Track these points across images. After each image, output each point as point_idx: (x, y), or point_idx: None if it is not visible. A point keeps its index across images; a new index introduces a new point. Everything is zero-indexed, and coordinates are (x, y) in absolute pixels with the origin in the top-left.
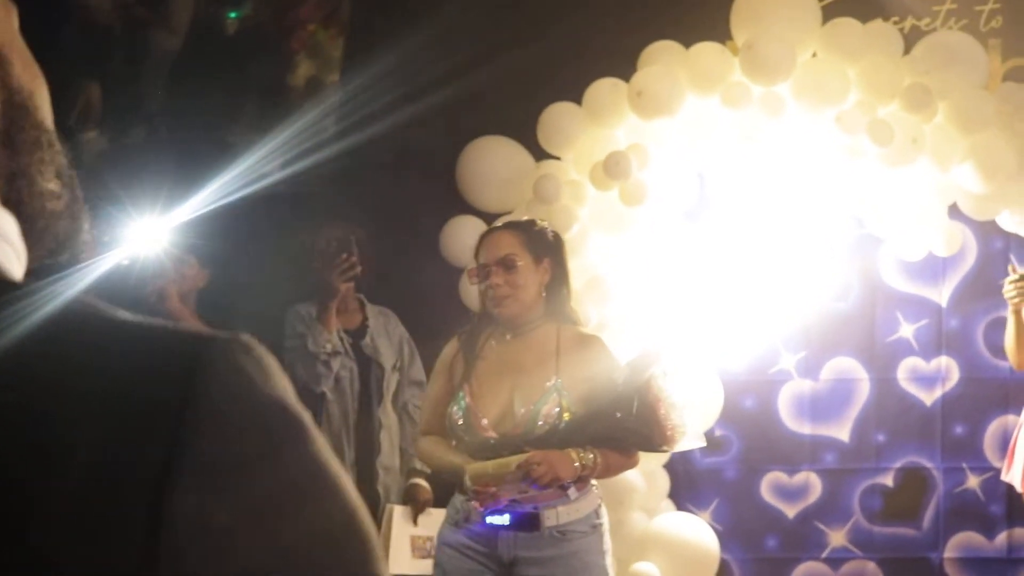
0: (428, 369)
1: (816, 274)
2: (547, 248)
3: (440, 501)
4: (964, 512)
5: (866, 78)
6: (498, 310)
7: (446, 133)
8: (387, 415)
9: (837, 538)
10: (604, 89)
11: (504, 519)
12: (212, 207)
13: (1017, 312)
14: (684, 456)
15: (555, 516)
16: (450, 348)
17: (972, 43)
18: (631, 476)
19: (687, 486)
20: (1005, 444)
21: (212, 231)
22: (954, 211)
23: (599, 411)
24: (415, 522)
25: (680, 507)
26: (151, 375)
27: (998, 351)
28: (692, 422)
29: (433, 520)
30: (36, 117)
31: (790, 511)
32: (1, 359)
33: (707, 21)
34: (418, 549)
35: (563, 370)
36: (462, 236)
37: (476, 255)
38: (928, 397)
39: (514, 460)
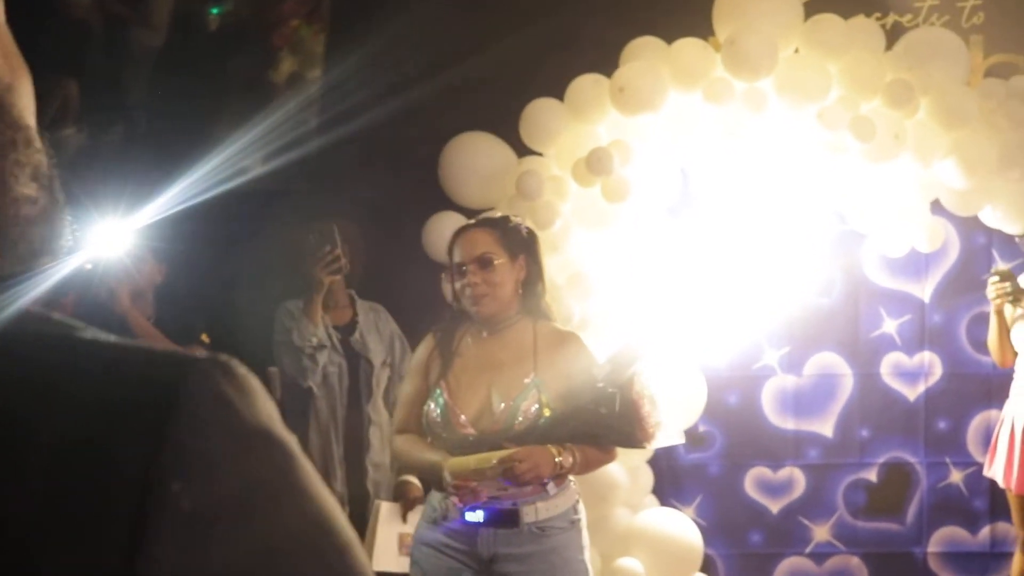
0: None
1: (799, 270)
2: (522, 245)
3: None
4: (947, 507)
5: (848, 74)
6: (476, 309)
7: (428, 129)
8: (377, 412)
9: (821, 533)
10: (586, 85)
11: (478, 515)
12: (191, 204)
13: (999, 312)
14: (668, 452)
15: (534, 512)
16: (425, 346)
17: (954, 39)
18: (615, 472)
19: (671, 482)
20: (988, 439)
21: (192, 229)
22: (936, 207)
23: (579, 407)
24: (404, 519)
25: (664, 503)
26: (123, 411)
27: (981, 346)
28: (669, 418)
29: None
30: (12, 115)
31: (774, 506)
32: None
33: (689, 17)
34: (406, 546)
35: (541, 367)
36: (444, 232)
37: (450, 253)
38: (911, 392)
39: (495, 456)
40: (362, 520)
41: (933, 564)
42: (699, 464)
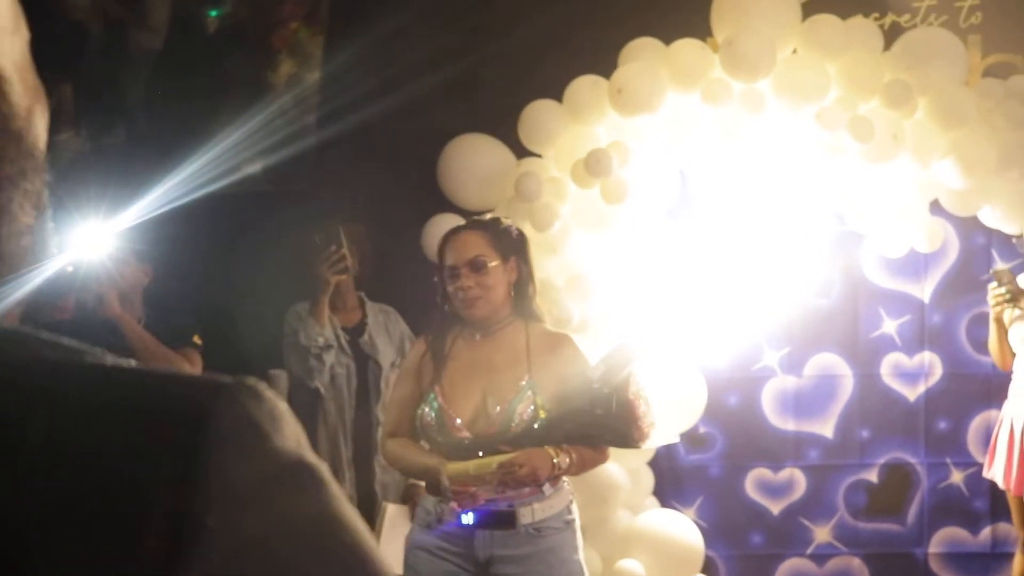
0: None
1: (798, 271)
2: (513, 246)
3: None
4: (948, 507)
5: (846, 74)
6: (470, 312)
7: (427, 131)
8: None
9: (822, 534)
10: (585, 86)
11: (469, 517)
12: (187, 205)
13: (998, 319)
14: (668, 453)
15: (531, 513)
16: (417, 349)
17: (952, 39)
18: (615, 473)
19: (672, 483)
20: (988, 439)
21: (188, 231)
22: (935, 207)
23: (575, 409)
24: (412, 521)
25: (665, 504)
26: (151, 440)
27: (981, 346)
28: (663, 417)
29: None
30: (27, 143)
31: (775, 507)
32: None
33: (688, 18)
34: None
35: (535, 369)
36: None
37: (442, 256)
38: (911, 393)
39: (495, 460)
40: (369, 522)
41: (934, 565)
42: (700, 465)
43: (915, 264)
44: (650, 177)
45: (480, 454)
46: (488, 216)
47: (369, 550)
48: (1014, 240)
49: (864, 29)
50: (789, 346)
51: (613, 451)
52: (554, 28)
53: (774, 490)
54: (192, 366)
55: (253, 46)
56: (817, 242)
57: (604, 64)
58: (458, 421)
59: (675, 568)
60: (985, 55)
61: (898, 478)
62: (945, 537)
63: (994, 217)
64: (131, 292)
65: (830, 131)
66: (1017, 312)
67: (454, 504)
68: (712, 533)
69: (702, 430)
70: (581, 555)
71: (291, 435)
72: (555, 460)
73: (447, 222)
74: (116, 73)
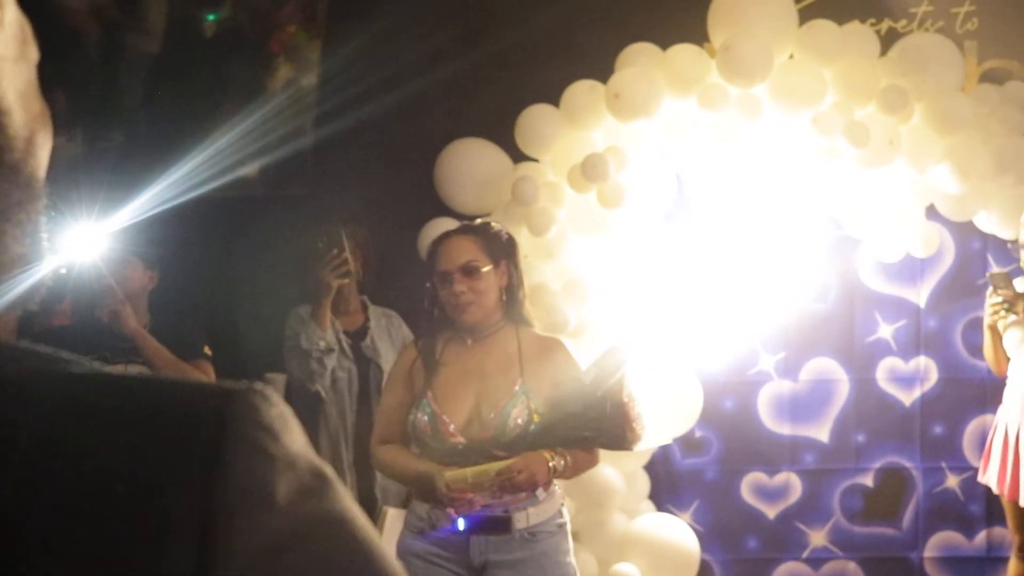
0: None
1: (795, 275)
2: (503, 251)
3: None
4: (944, 512)
5: (843, 80)
6: (463, 317)
7: (424, 135)
8: None
9: (817, 538)
10: (582, 91)
11: (462, 523)
12: (187, 210)
13: (992, 326)
14: (664, 457)
15: (525, 518)
16: (407, 355)
17: (948, 45)
18: (611, 477)
19: (667, 487)
20: (983, 444)
21: (189, 235)
22: (931, 212)
23: (569, 412)
24: None
25: (660, 508)
26: (172, 446)
27: (976, 351)
28: (654, 419)
29: None
30: (26, 172)
31: (770, 512)
32: None
33: (684, 23)
34: None
35: (528, 373)
36: None
37: (433, 261)
38: (907, 397)
39: (494, 467)
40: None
41: (929, 569)
42: (695, 469)
43: (911, 269)
44: (647, 182)
45: (474, 459)
46: (478, 221)
47: (380, 550)
48: (1009, 245)
49: (860, 34)
50: (785, 351)
51: (609, 455)
52: (551, 33)
53: (770, 494)
54: (206, 378)
55: (250, 50)
56: (813, 247)
57: (601, 69)
58: (452, 427)
59: (671, 572)
60: (981, 61)
61: (894, 482)
62: (940, 541)
63: (990, 222)
64: (137, 297)
65: (826, 136)
66: (1012, 317)
67: (451, 510)
68: (708, 537)
69: (698, 434)
70: (573, 558)
71: (299, 438)
72: (551, 464)
73: (444, 226)
74: (113, 77)
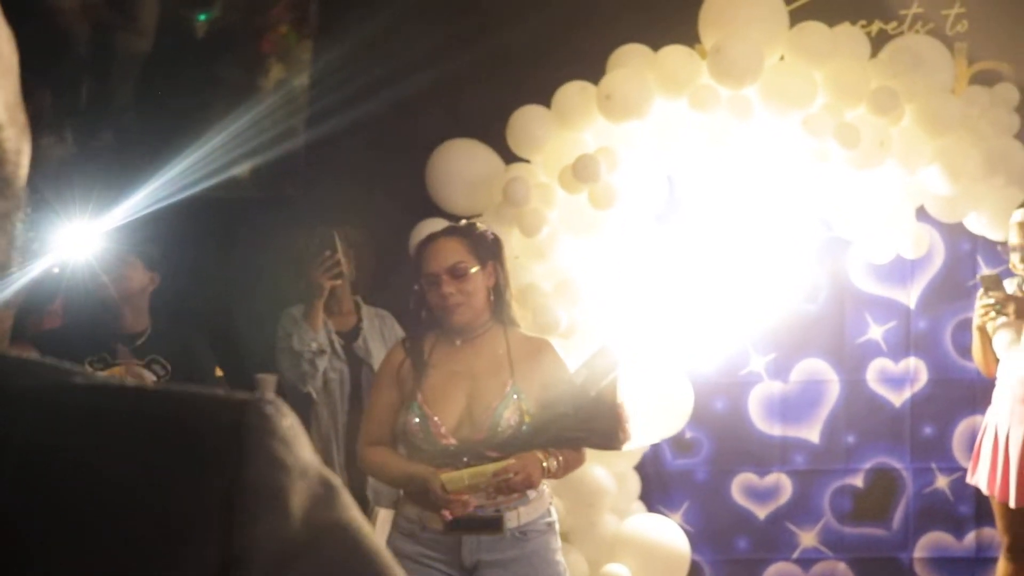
0: None
1: (785, 276)
2: (490, 251)
3: None
4: (933, 512)
5: (833, 81)
6: (452, 318)
7: (415, 136)
8: None
9: (807, 539)
10: (573, 92)
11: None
12: (183, 213)
13: (981, 328)
14: (655, 458)
15: (516, 517)
16: (394, 357)
17: (938, 47)
18: (602, 478)
19: (658, 488)
20: (973, 444)
21: (184, 237)
22: (921, 213)
23: (561, 413)
24: None
25: (651, 509)
26: (190, 457)
27: (966, 352)
28: (648, 421)
29: None
30: (15, 186)
31: (761, 512)
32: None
33: (675, 24)
34: None
35: (518, 374)
36: None
37: (421, 263)
38: (897, 398)
39: (490, 468)
40: None
41: (919, 569)
42: (686, 470)
43: (901, 270)
44: (638, 183)
45: (465, 460)
46: (463, 222)
47: (387, 557)
48: (999, 247)
49: (851, 36)
50: (776, 351)
51: (600, 456)
52: (542, 34)
53: (760, 495)
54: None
55: (242, 50)
56: (804, 248)
57: (592, 70)
58: (443, 428)
59: (661, 572)
60: (971, 63)
61: (883, 483)
62: (930, 542)
63: (980, 223)
64: (136, 299)
65: (817, 137)
66: (1002, 319)
67: (446, 512)
68: (698, 538)
69: (688, 435)
70: (561, 556)
71: (308, 448)
72: (545, 464)
73: (435, 227)
74: (104, 77)
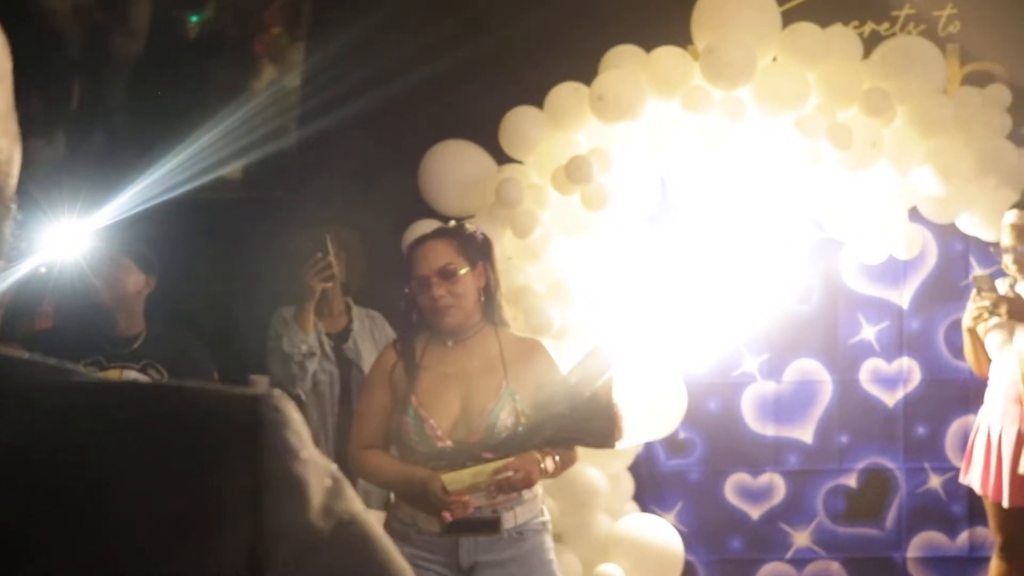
0: None
1: (778, 277)
2: (480, 252)
3: None
4: (926, 512)
5: (826, 82)
6: (443, 320)
7: (408, 137)
8: None
9: (801, 539)
10: (566, 93)
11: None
12: (176, 216)
13: (971, 329)
14: (648, 458)
15: (513, 517)
16: (386, 359)
17: (930, 48)
18: (596, 478)
19: (651, 488)
20: (966, 444)
21: (176, 239)
22: (914, 214)
23: (556, 413)
24: None
25: (644, 509)
26: (210, 450)
27: (959, 352)
28: (641, 421)
29: None
30: (3, 196)
31: (754, 512)
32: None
33: (668, 25)
34: None
35: (512, 375)
36: None
37: (411, 266)
38: (890, 398)
39: (489, 468)
40: None
41: (912, 569)
42: (679, 470)
43: (894, 271)
44: (631, 184)
45: (461, 461)
46: (452, 223)
47: (393, 548)
48: (991, 248)
49: (843, 37)
50: (769, 352)
51: (594, 456)
52: (535, 35)
53: (754, 495)
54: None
55: (234, 52)
56: (797, 249)
57: (585, 71)
58: (438, 430)
59: (655, 573)
60: (963, 64)
61: (877, 483)
62: (923, 541)
63: (972, 224)
64: (130, 302)
65: (810, 138)
66: (995, 320)
67: (447, 514)
68: (692, 538)
69: (682, 435)
70: (554, 555)
71: (311, 440)
72: (543, 464)
73: (427, 228)
74: (96, 78)
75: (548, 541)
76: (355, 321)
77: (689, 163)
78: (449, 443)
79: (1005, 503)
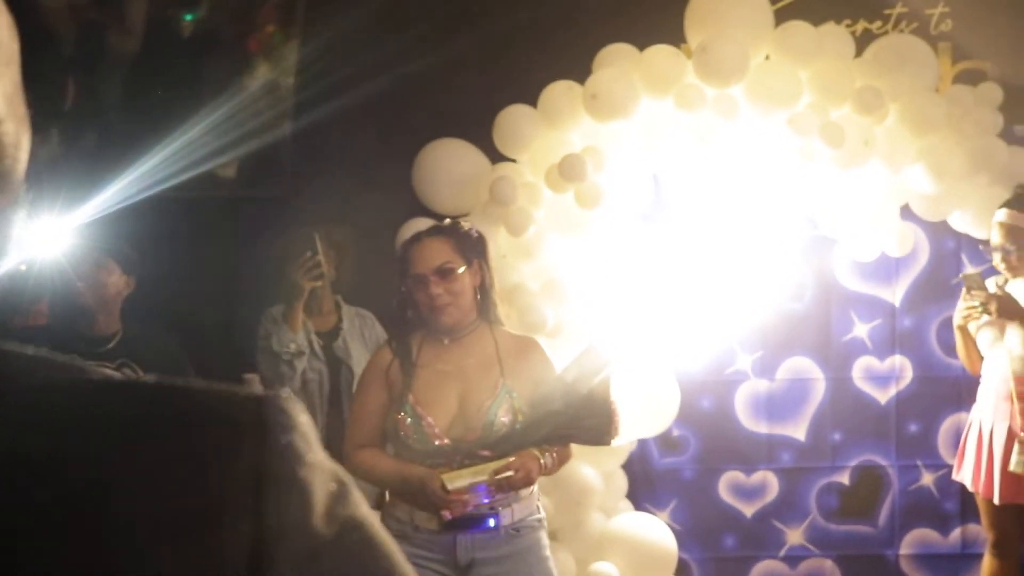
0: None
1: (771, 275)
2: (475, 250)
3: None
4: (919, 509)
5: (818, 81)
6: (441, 319)
7: (402, 135)
8: None
9: (794, 536)
10: (559, 92)
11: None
12: (165, 215)
13: (962, 328)
14: (642, 456)
15: (510, 514)
16: (382, 357)
17: (923, 46)
18: (589, 477)
19: (645, 486)
20: (958, 441)
21: (162, 238)
22: (906, 212)
23: (552, 410)
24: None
25: (638, 507)
26: (215, 451)
27: (951, 350)
28: (635, 419)
29: None
30: (13, 179)
31: (748, 510)
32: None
33: (661, 24)
34: None
35: (508, 372)
36: None
37: (408, 265)
38: (883, 396)
39: (490, 467)
40: None
41: (905, 566)
42: (673, 468)
43: (886, 268)
44: (624, 182)
45: (459, 459)
46: (448, 221)
47: (397, 551)
48: (981, 246)
49: (836, 36)
50: (762, 350)
51: (588, 455)
52: (529, 34)
53: (747, 493)
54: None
55: (229, 50)
56: (790, 246)
57: (579, 70)
58: (436, 428)
59: (649, 571)
60: (955, 62)
61: (869, 480)
62: (916, 538)
63: (964, 222)
64: (110, 304)
65: (802, 136)
66: (986, 317)
67: (446, 512)
68: (685, 536)
69: (676, 433)
70: (550, 552)
71: (319, 444)
72: (542, 461)
73: (421, 226)
74: (91, 76)
75: (544, 538)
76: (345, 320)
77: (682, 161)
78: (447, 441)
79: (996, 500)
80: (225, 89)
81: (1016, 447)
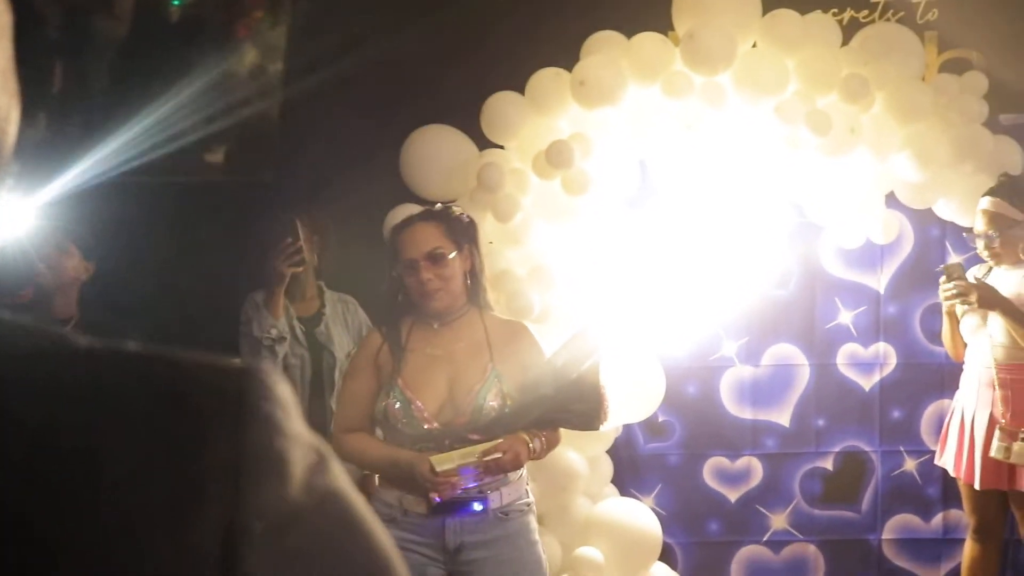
0: None
1: (757, 262)
2: (465, 234)
3: None
4: (901, 494)
5: (805, 69)
6: (431, 304)
7: (389, 121)
8: None
9: (778, 521)
10: (547, 78)
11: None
12: (147, 193)
13: (950, 312)
14: (627, 442)
15: (499, 498)
16: (372, 342)
17: (909, 35)
18: (575, 462)
19: (630, 471)
20: (941, 428)
21: (143, 223)
22: (892, 200)
23: (542, 395)
24: None
25: (623, 492)
26: (194, 421)
27: (935, 337)
28: (621, 405)
29: None
30: (3, 153)
31: (732, 495)
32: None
33: (649, 11)
34: None
35: (498, 357)
36: None
37: (399, 249)
38: (866, 382)
39: (478, 449)
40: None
41: (887, 551)
42: (658, 454)
43: (871, 255)
44: (611, 169)
45: (447, 443)
46: (438, 206)
47: (376, 525)
48: (964, 234)
49: (823, 24)
50: (747, 336)
51: (574, 440)
52: (517, 20)
53: (731, 478)
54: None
55: (217, 35)
56: (775, 233)
57: (566, 57)
58: (426, 412)
59: (633, 555)
60: (941, 51)
61: (853, 466)
62: (898, 523)
63: (949, 210)
64: (67, 288)
65: (789, 124)
66: (966, 307)
67: (435, 495)
68: (670, 521)
69: (661, 419)
70: (538, 536)
71: (300, 416)
72: (531, 445)
73: (408, 212)
74: (79, 60)
75: (533, 522)
76: (327, 305)
77: (669, 148)
78: (436, 425)
79: (977, 485)
80: (213, 74)
81: (997, 433)
